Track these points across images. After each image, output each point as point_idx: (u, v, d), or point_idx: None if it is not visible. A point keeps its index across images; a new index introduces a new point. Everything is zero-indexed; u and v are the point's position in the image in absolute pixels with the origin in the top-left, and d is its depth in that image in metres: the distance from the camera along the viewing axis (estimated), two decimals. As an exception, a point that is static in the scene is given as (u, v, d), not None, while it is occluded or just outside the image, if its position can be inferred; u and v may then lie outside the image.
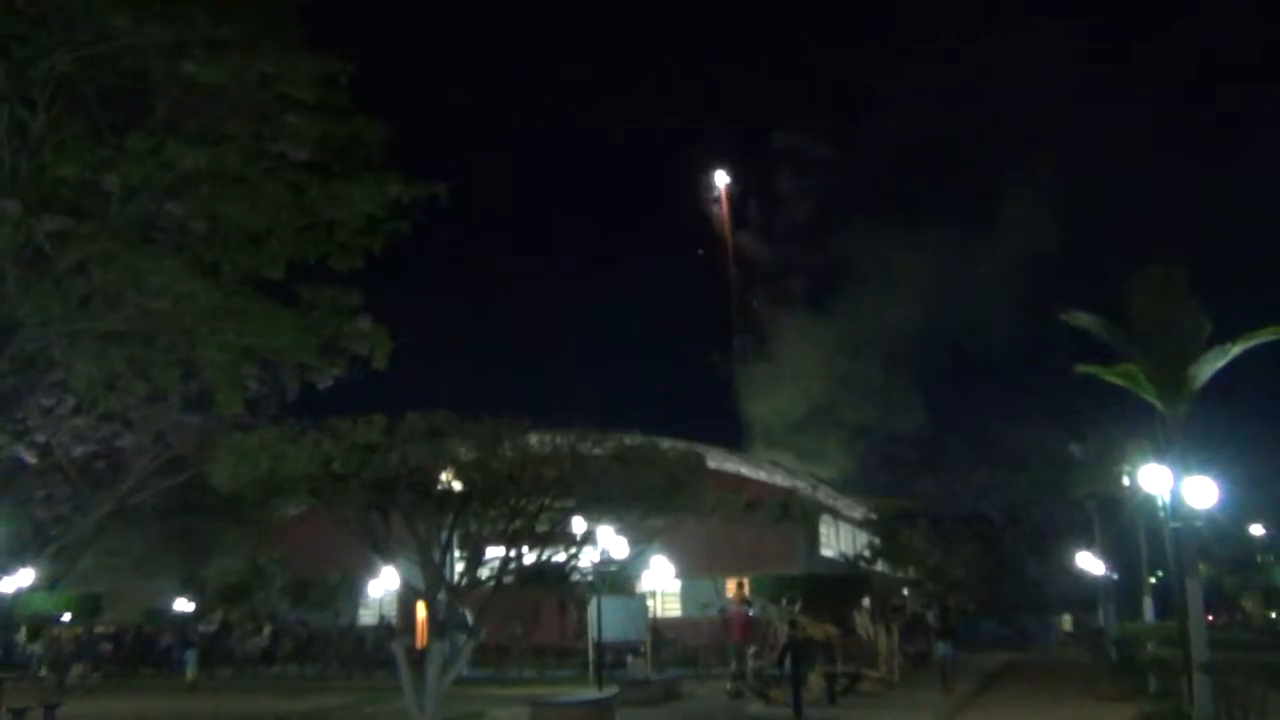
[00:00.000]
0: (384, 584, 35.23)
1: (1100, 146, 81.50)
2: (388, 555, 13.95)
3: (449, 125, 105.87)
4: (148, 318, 13.97)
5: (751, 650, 24.72)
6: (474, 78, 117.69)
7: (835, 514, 47.56)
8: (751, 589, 37.66)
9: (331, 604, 39.38)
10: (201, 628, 40.57)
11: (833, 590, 35.59)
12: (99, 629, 40.79)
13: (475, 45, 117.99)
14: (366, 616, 41.86)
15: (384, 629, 37.29)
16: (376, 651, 34.34)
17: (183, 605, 44.19)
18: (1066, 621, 51.22)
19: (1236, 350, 17.78)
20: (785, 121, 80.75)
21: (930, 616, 38.79)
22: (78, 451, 24.05)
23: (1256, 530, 61.87)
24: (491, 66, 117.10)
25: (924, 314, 69.63)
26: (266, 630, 40.13)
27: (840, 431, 66.86)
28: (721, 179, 78.64)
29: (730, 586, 38.82)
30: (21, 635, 39.93)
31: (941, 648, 28.08)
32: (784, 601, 31.61)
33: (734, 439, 71.46)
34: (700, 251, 78.87)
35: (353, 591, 39.28)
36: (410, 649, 18.34)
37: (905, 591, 42.78)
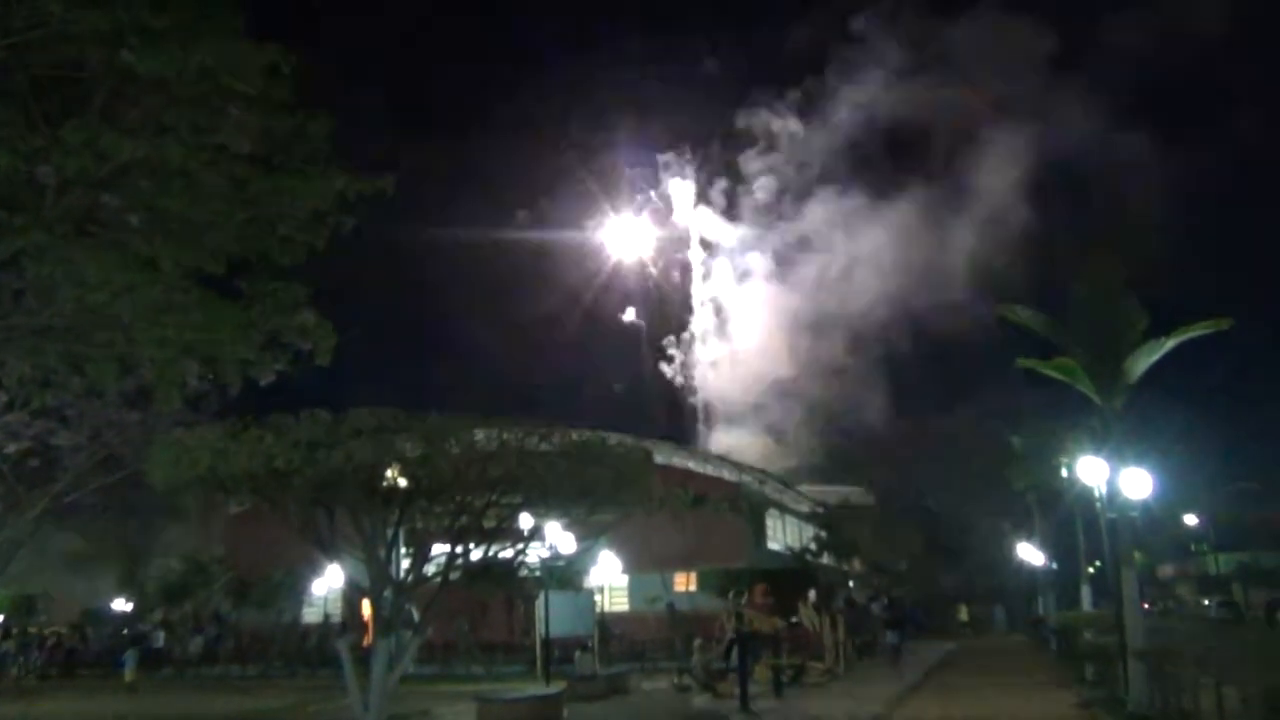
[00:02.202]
0: (329, 582, 34.88)
1: (1052, 140, 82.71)
2: (332, 553, 13.81)
3: (391, 112, 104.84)
4: (84, 313, 13.65)
5: (697, 643, 24.85)
6: (419, 56, 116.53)
7: (781, 508, 47.95)
8: (699, 583, 37.97)
9: (275, 602, 38.91)
10: (143, 627, 39.86)
11: (779, 583, 35.87)
12: (34, 629, 39.90)
13: (422, 24, 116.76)
14: (311, 615, 41.39)
15: (328, 627, 36.91)
16: (321, 650, 34.00)
17: (121, 605, 43.44)
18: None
19: (1170, 344, 18.20)
20: (743, 101, 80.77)
21: (876, 608, 39.33)
22: (11, 449, 23.49)
23: (1190, 520, 63.54)
24: (434, 44, 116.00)
25: (876, 302, 70.55)
26: (209, 629, 39.54)
27: (798, 411, 67.51)
28: (680, 159, 78.93)
29: (678, 580, 39.07)
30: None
31: (891, 636, 29.44)
32: (730, 595, 31.81)
33: (687, 429, 72.10)
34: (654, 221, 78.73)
35: (297, 590, 38.84)
36: (355, 646, 18.21)
37: (851, 584, 43.30)
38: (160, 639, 38.15)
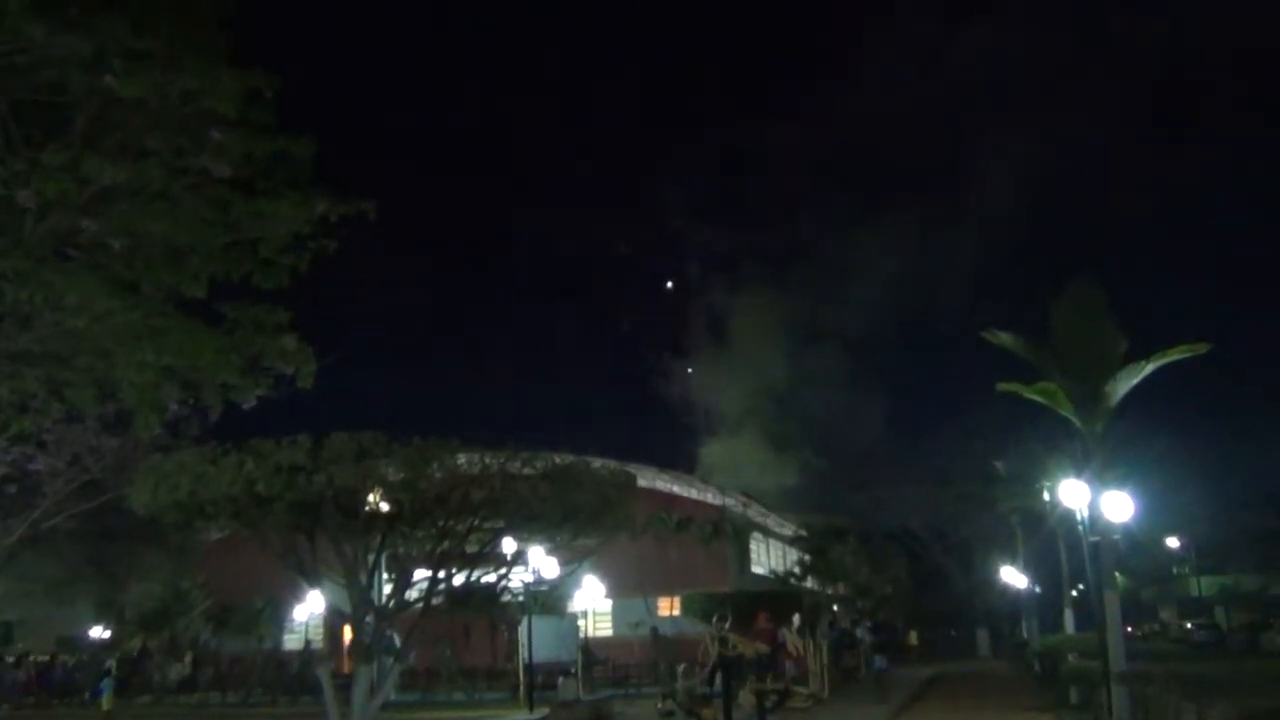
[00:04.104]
0: (309, 608, 34.58)
1: (1050, 153, 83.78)
2: (313, 578, 13.73)
3: (376, 139, 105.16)
4: (63, 337, 13.58)
5: (682, 668, 24.71)
6: (411, 85, 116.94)
7: (766, 531, 47.89)
8: (683, 608, 37.82)
9: (255, 629, 38.54)
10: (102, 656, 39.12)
11: (764, 607, 35.76)
12: (10, 657, 39.35)
13: (408, 54, 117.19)
14: (291, 641, 41.00)
15: (309, 653, 36.54)
16: (302, 677, 33.64)
17: (99, 632, 42.95)
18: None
19: (1150, 368, 18.31)
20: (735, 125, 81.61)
21: (860, 632, 39.24)
22: (-12, 475, 23.29)
23: (1172, 543, 63.74)
24: (420, 70, 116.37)
25: (866, 315, 70.91)
26: (188, 658, 39.02)
27: (795, 423, 67.35)
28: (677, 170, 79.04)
29: (662, 605, 38.91)
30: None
31: (878, 660, 29.68)
32: (714, 619, 31.70)
33: (674, 448, 71.88)
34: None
35: (277, 616, 38.49)
36: (336, 673, 18.02)
37: (835, 608, 43.21)
38: (112, 667, 37.19)
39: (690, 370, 74.01)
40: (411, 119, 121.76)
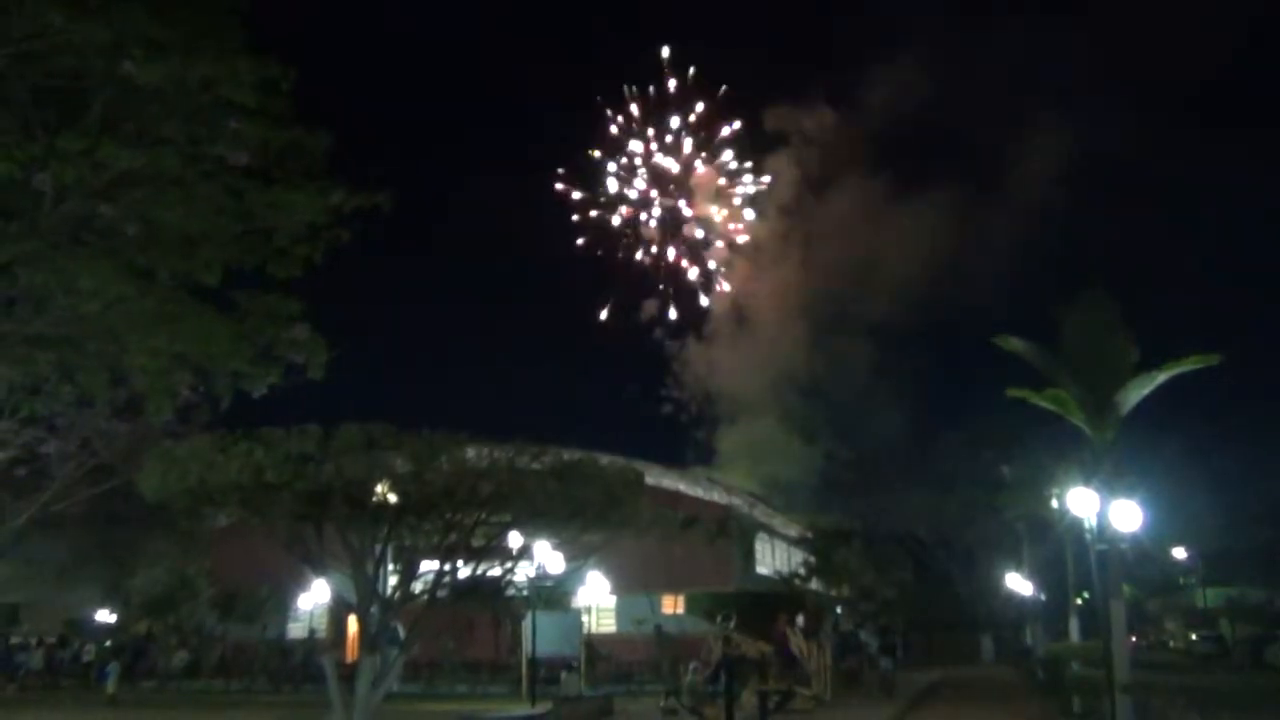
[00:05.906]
0: (315, 597, 34.66)
1: (1048, 168, 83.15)
2: (319, 568, 13.76)
3: (389, 129, 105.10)
4: (77, 321, 13.64)
5: (693, 666, 24.70)
6: (422, 66, 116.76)
7: (771, 532, 47.82)
8: (687, 606, 37.85)
9: (260, 617, 38.64)
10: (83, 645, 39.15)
11: (768, 608, 35.75)
12: (16, 639, 39.56)
13: (422, 38, 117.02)
14: (296, 630, 41.11)
15: (313, 642, 36.64)
16: (305, 666, 33.75)
17: (105, 616, 43.14)
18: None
19: (1162, 377, 18.24)
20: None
21: (862, 634, 39.23)
22: (-1, 457, 23.39)
23: (1179, 554, 63.46)
24: (436, 55, 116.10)
25: (878, 309, 70.37)
26: (192, 643, 39.17)
27: (819, 412, 67.00)
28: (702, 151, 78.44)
29: (666, 603, 38.91)
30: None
31: (885, 662, 29.77)
32: (719, 618, 31.70)
33: (684, 444, 71.55)
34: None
35: (282, 604, 38.58)
36: (340, 663, 18.09)
37: (838, 610, 43.19)
38: (91, 652, 37.16)
39: (710, 357, 73.68)
40: (427, 112, 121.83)
